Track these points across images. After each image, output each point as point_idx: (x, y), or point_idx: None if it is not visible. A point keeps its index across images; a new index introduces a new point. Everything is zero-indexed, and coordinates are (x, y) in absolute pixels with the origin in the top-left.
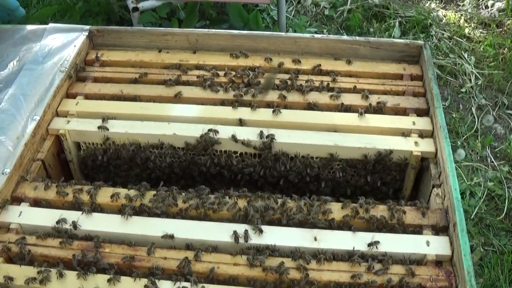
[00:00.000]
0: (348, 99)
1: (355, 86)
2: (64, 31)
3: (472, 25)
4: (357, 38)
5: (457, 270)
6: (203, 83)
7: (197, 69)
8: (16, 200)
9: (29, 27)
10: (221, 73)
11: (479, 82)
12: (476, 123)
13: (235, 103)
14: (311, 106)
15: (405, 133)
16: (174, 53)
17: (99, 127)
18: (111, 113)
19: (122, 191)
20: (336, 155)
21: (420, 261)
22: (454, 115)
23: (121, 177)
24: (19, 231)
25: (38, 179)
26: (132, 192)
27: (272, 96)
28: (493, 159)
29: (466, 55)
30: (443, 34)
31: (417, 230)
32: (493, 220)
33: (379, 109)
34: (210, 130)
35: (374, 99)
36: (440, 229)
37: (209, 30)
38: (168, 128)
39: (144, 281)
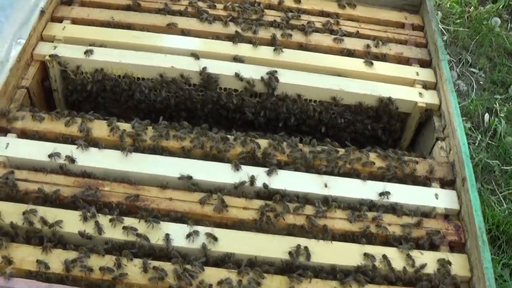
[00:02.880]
0: (351, 43)
1: (357, 31)
2: None
3: None
4: None
5: (466, 225)
6: (200, 15)
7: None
8: (1, 130)
9: None
10: (219, 5)
11: (444, 38)
12: None
13: (235, 38)
14: (314, 48)
15: (409, 83)
16: None
17: (85, 53)
18: (101, 41)
19: (121, 125)
20: (339, 100)
21: (428, 213)
22: None
23: (108, 110)
24: (7, 164)
25: (24, 108)
26: (129, 127)
27: (271, 33)
28: None
29: None
30: None
31: (426, 182)
32: None
33: (382, 57)
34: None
35: (377, 46)
36: (446, 183)
37: None
38: (164, 61)
39: (150, 223)
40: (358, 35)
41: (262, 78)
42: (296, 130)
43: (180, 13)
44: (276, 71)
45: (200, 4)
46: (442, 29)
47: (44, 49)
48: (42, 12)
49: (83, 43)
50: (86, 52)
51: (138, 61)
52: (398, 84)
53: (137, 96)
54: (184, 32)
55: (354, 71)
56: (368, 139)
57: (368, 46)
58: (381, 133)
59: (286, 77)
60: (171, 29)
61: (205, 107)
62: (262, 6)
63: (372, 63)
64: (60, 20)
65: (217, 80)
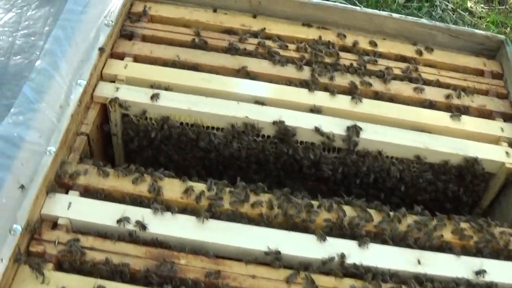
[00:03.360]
0: (431, 93)
1: (437, 79)
2: None
3: None
4: (437, 23)
5: None
6: (271, 56)
7: (261, 38)
8: (63, 186)
9: None
10: (291, 46)
11: None
12: None
13: (311, 85)
14: (393, 97)
15: (494, 140)
16: (233, 15)
17: (152, 98)
18: (167, 83)
19: (196, 186)
20: (423, 158)
21: None
22: None
23: (170, 158)
24: (69, 228)
25: (86, 160)
26: (205, 187)
27: (349, 79)
28: None
29: None
30: (447, 5)
31: None
32: None
33: (464, 109)
34: (316, 129)
35: (459, 97)
36: None
37: None
38: (237, 109)
39: None
40: (438, 83)
41: (344, 132)
42: (373, 187)
43: (250, 54)
44: (357, 126)
45: (270, 43)
46: None
47: (106, 90)
48: (102, 50)
49: (147, 84)
50: (152, 97)
51: (209, 109)
52: (483, 142)
53: (204, 146)
54: (256, 76)
55: (438, 126)
56: (447, 198)
57: (449, 96)
58: (462, 193)
59: (368, 132)
60: (241, 72)
61: (278, 161)
62: (336, 48)
63: (457, 118)
64: (121, 56)
65: (294, 133)
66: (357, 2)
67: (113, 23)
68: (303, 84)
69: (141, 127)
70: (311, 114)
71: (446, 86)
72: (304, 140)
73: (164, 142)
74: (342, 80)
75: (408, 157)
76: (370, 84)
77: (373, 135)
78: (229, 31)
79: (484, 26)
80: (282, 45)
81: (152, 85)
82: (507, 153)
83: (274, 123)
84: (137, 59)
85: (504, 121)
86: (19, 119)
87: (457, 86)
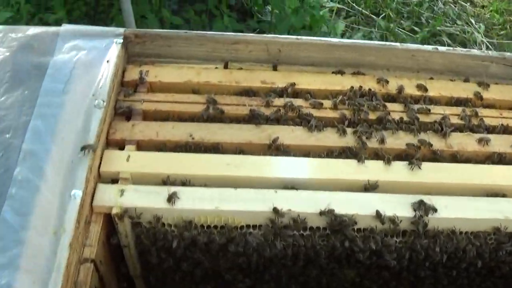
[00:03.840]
0: (498, 143)
1: (502, 124)
2: (86, 37)
3: None
4: (490, 53)
5: None
6: (305, 121)
7: (289, 97)
8: None
9: (31, 30)
10: (325, 102)
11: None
12: None
13: (360, 153)
14: (455, 155)
15: None
16: (250, 70)
17: (169, 200)
18: (184, 175)
19: None
20: (503, 229)
21: None
22: None
23: (198, 266)
24: None
25: None
26: None
27: (403, 140)
28: None
29: (473, 21)
30: None
31: None
32: None
33: None
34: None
35: None
36: None
37: (298, 37)
38: (277, 199)
39: None
40: (504, 129)
41: (411, 213)
42: (444, 266)
43: (278, 120)
44: (424, 203)
45: (301, 102)
46: (487, 43)
47: (108, 196)
48: (91, 147)
49: (159, 179)
50: (169, 199)
51: (241, 205)
52: None
53: (238, 250)
54: (289, 149)
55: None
56: None
57: None
58: None
59: (437, 209)
60: (272, 147)
61: (332, 255)
62: (380, 98)
63: None
64: (120, 144)
65: (351, 223)
66: (355, 5)
67: (104, 103)
68: (347, 152)
69: (159, 235)
70: (365, 194)
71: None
72: (362, 227)
73: (189, 249)
74: (395, 141)
75: (485, 229)
76: (430, 144)
77: (444, 212)
78: (248, 92)
79: (488, 15)
80: (315, 103)
81: (165, 181)
82: None
83: (322, 213)
84: (140, 145)
85: None
86: (2, 260)
87: None
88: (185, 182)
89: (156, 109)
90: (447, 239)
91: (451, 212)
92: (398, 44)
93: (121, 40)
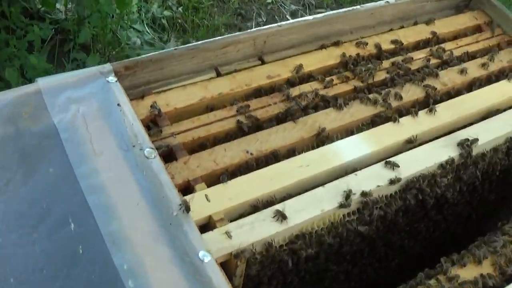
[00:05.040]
0: (472, 70)
1: (464, 52)
2: (72, 86)
3: None
4: None
5: None
6: (332, 102)
7: (301, 83)
8: None
9: (4, 96)
10: (334, 78)
11: None
12: None
13: (390, 114)
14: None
15: None
16: (247, 70)
17: (276, 217)
18: (271, 192)
19: None
20: None
21: None
22: None
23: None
24: None
25: None
26: None
27: (414, 92)
28: None
29: None
30: None
31: None
32: None
33: (502, 74)
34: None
35: (492, 60)
36: None
37: (280, 24)
38: (359, 180)
39: None
40: (467, 55)
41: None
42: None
43: (307, 109)
44: (467, 139)
45: (315, 86)
46: None
47: (218, 244)
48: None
49: (248, 205)
50: (278, 218)
51: (337, 199)
52: None
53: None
54: (333, 132)
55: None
56: None
57: (485, 65)
58: None
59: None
60: (321, 135)
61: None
62: (372, 62)
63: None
64: (189, 187)
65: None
66: None
67: (153, 151)
68: (382, 117)
69: (270, 260)
70: (420, 148)
71: (473, 56)
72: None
73: (304, 266)
74: (407, 94)
75: (502, 143)
76: (435, 88)
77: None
78: (260, 91)
79: None
80: (326, 82)
81: (256, 204)
82: None
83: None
84: (208, 180)
85: None
86: None
87: (479, 51)
88: (273, 200)
89: (194, 138)
90: (482, 161)
91: (482, 138)
92: (359, 7)
93: (115, 77)
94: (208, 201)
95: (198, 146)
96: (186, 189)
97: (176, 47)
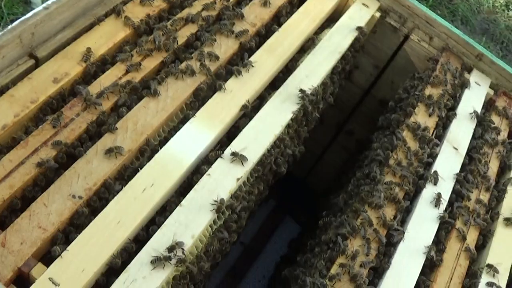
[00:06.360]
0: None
1: None
2: None
3: None
4: None
5: None
6: (145, 88)
7: (96, 76)
8: None
9: None
10: (135, 55)
11: None
12: None
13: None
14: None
15: None
16: (18, 76)
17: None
18: (123, 240)
19: None
20: None
21: None
22: None
23: None
24: None
25: None
26: None
27: (227, 46)
28: None
29: None
30: None
31: None
32: None
33: None
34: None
35: None
36: None
37: (46, 6)
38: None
39: None
40: None
41: None
42: None
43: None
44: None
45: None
46: None
47: None
48: None
49: None
50: None
51: None
52: None
53: None
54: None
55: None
56: None
57: None
58: None
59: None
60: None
61: None
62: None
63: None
64: None
65: None
66: None
67: None
68: (203, 91)
69: None
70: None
71: None
72: None
73: None
74: (221, 51)
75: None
76: (246, 32)
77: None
78: (53, 104)
79: None
80: (129, 65)
81: (114, 261)
82: None
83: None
84: (42, 254)
85: None
86: None
87: None
88: (131, 246)
89: None
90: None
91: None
92: None
93: None
94: (57, 286)
95: (9, 212)
96: (21, 279)
97: None
